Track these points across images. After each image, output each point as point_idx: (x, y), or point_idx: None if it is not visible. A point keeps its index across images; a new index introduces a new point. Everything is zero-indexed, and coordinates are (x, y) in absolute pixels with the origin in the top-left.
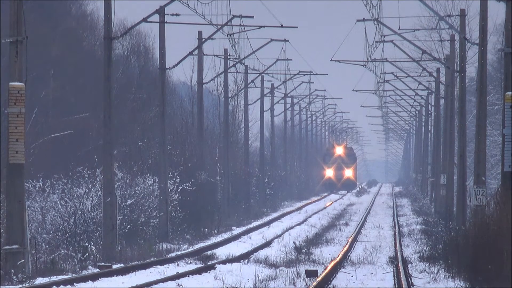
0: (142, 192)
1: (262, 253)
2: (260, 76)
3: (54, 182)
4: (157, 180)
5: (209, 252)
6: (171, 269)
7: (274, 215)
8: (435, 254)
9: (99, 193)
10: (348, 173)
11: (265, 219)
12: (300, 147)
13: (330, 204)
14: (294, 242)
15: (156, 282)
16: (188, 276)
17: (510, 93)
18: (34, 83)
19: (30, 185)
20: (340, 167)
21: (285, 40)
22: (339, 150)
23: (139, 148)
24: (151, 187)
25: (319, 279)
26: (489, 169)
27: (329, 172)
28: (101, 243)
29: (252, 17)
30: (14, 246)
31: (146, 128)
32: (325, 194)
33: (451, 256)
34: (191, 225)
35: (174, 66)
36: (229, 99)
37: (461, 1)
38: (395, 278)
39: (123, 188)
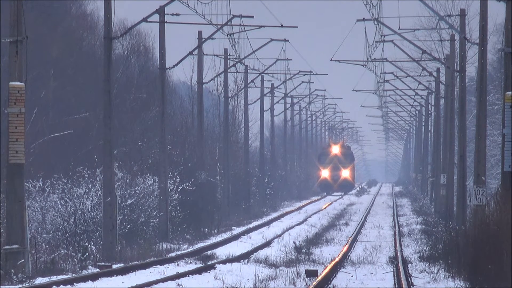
0: (142, 192)
1: (262, 253)
2: (260, 76)
3: (54, 182)
4: (157, 180)
5: (209, 252)
6: (171, 269)
7: (274, 215)
8: (435, 254)
9: (99, 193)
10: (345, 173)
11: (265, 219)
12: (300, 147)
13: (328, 206)
14: (294, 242)
15: (156, 282)
16: (188, 276)
17: (510, 93)
18: (34, 83)
19: (30, 185)
20: (336, 167)
21: (285, 40)
22: (335, 149)
23: (139, 148)
24: (151, 187)
25: (319, 279)
26: (489, 169)
27: (325, 173)
28: (101, 243)
29: (252, 17)
30: (14, 246)
31: (146, 128)
32: (325, 194)
33: (451, 256)
34: (191, 225)
35: (174, 66)
36: (229, 99)
37: (461, 1)
38: (395, 278)
39: (123, 188)
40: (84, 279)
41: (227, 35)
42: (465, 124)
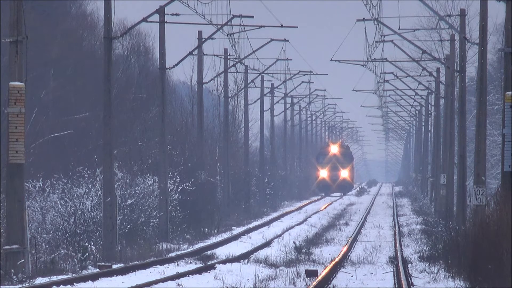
0: (142, 192)
1: (262, 253)
2: (260, 76)
3: (54, 182)
4: (157, 180)
5: (209, 252)
6: (171, 269)
7: (274, 215)
8: (435, 254)
9: (99, 193)
10: (344, 173)
11: (265, 219)
12: (300, 147)
13: (328, 206)
14: (294, 242)
15: (156, 282)
16: (188, 276)
17: (510, 93)
18: (34, 83)
19: (30, 185)
20: (335, 167)
21: (285, 40)
22: (334, 149)
23: (139, 148)
24: (151, 187)
25: (319, 279)
26: (489, 169)
27: (323, 173)
28: (101, 243)
29: (252, 17)
30: (14, 246)
31: (146, 128)
32: (323, 194)
33: (451, 256)
34: (191, 225)
35: (174, 66)
36: (229, 99)
37: (461, 1)
38: (395, 278)
39: (123, 188)
40: (84, 279)
41: (227, 35)
42: (465, 124)
